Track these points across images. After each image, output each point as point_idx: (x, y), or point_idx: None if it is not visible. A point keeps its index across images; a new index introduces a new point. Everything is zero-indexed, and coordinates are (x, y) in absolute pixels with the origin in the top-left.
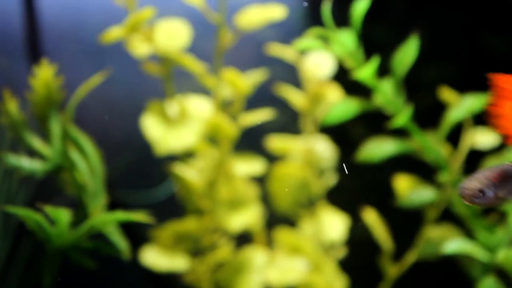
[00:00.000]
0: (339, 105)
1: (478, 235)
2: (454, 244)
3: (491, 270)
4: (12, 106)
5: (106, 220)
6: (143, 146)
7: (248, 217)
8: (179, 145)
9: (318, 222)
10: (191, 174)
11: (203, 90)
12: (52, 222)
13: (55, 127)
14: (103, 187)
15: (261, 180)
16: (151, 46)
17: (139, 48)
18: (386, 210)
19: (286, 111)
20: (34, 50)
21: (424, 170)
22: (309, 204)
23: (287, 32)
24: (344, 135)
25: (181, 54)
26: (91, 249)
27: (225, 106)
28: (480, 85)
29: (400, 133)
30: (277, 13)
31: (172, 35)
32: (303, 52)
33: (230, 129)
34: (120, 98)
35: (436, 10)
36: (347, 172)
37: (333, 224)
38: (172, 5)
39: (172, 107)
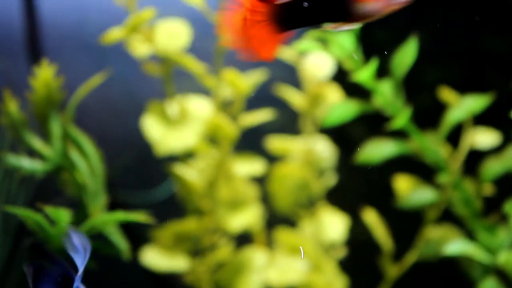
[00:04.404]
0: (338, 107)
1: (479, 237)
2: (455, 245)
3: (492, 272)
4: (12, 106)
5: (106, 220)
6: (143, 146)
7: (248, 217)
8: (179, 145)
9: (318, 222)
10: (191, 174)
11: (203, 90)
12: (52, 222)
13: (55, 127)
14: (103, 187)
15: (261, 180)
16: (151, 46)
17: (139, 48)
18: (386, 210)
19: (286, 111)
20: (34, 50)
21: (424, 171)
22: (309, 204)
23: None
24: (344, 136)
25: (181, 54)
26: (91, 249)
27: (225, 106)
28: (480, 86)
29: (400, 134)
30: None
31: (172, 35)
32: (302, 53)
33: (230, 129)
34: (120, 98)
35: (436, 11)
36: None
37: (333, 224)
38: (172, 5)
39: (172, 107)
